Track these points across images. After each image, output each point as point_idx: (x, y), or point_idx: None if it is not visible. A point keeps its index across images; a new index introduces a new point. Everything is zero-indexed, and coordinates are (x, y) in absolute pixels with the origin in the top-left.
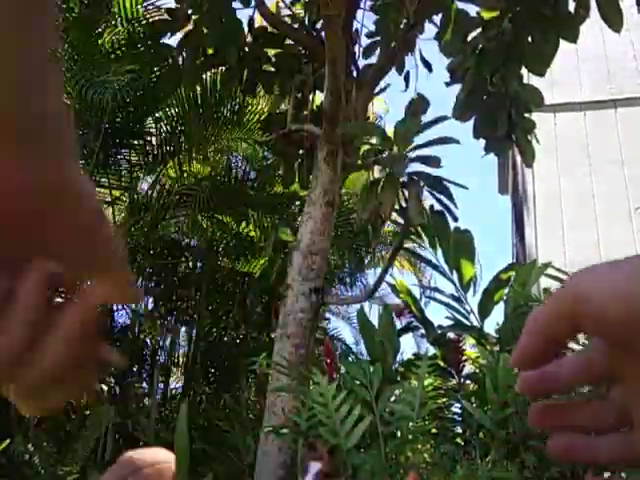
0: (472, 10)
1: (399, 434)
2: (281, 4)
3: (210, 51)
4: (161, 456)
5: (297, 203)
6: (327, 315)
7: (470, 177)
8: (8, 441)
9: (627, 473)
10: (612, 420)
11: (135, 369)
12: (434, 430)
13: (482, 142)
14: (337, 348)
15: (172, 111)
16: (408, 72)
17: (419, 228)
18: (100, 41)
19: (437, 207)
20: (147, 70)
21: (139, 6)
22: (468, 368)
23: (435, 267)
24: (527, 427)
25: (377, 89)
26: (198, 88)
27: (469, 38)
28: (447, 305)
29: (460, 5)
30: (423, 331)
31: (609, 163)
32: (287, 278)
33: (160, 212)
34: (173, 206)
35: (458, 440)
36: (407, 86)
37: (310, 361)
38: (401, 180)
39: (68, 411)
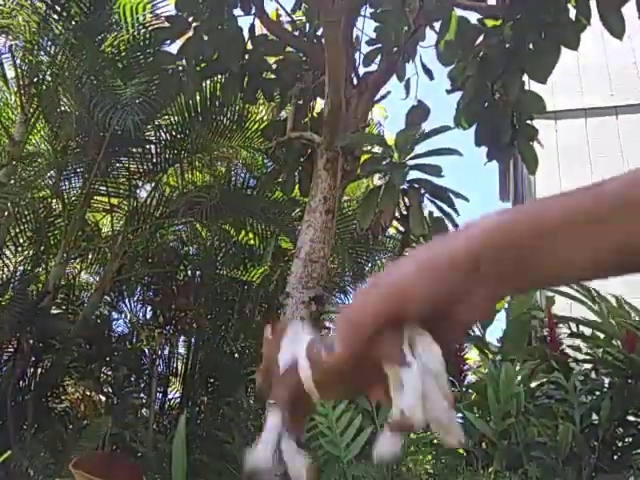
0: (473, 18)
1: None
2: (281, 11)
3: (215, 56)
4: None
5: (297, 210)
6: (327, 324)
7: (469, 183)
8: (8, 453)
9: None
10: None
11: (133, 379)
12: (436, 440)
13: (477, 148)
14: None
15: (172, 119)
16: (408, 79)
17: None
18: (103, 47)
19: (437, 213)
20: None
21: (139, 15)
22: (470, 377)
23: None
24: (530, 437)
25: (377, 96)
26: (198, 96)
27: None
28: None
29: (461, 12)
30: None
31: (611, 170)
32: (287, 286)
33: (159, 220)
34: (172, 214)
35: (460, 451)
36: (407, 93)
37: None
38: (401, 188)
39: (65, 421)
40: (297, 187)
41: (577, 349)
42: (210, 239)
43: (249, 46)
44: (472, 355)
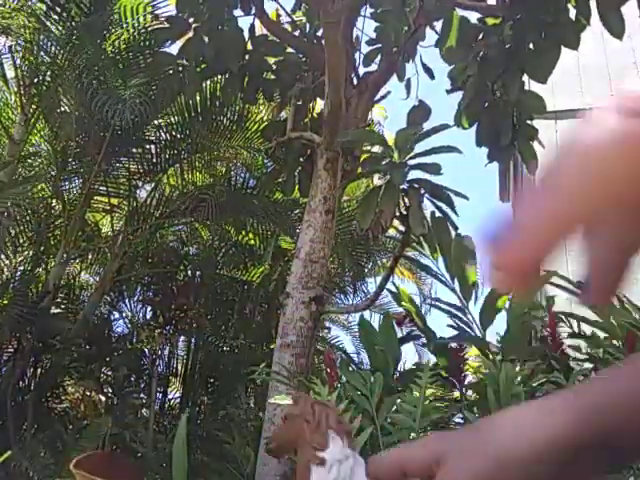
0: (473, 17)
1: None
2: (281, 12)
3: (215, 57)
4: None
5: (297, 211)
6: (327, 324)
7: (469, 182)
8: (8, 454)
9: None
10: None
11: (133, 379)
12: None
13: (476, 150)
14: (337, 357)
15: (172, 119)
16: (409, 79)
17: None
18: (103, 47)
19: (437, 214)
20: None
21: (139, 15)
22: (470, 378)
23: (435, 276)
24: None
25: (377, 96)
26: (198, 96)
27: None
28: (449, 313)
29: (461, 12)
30: (424, 340)
31: None
32: (287, 286)
33: (159, 220)
34: (172, 214)
35: None
36: (408, 94)
37: (310, 371)
38: (401, 187)
39: (65, 421)
40: (297, 187)
41: (577, 349)
42: (210, 239)
43: (249, 46)
44: (472, 355)
